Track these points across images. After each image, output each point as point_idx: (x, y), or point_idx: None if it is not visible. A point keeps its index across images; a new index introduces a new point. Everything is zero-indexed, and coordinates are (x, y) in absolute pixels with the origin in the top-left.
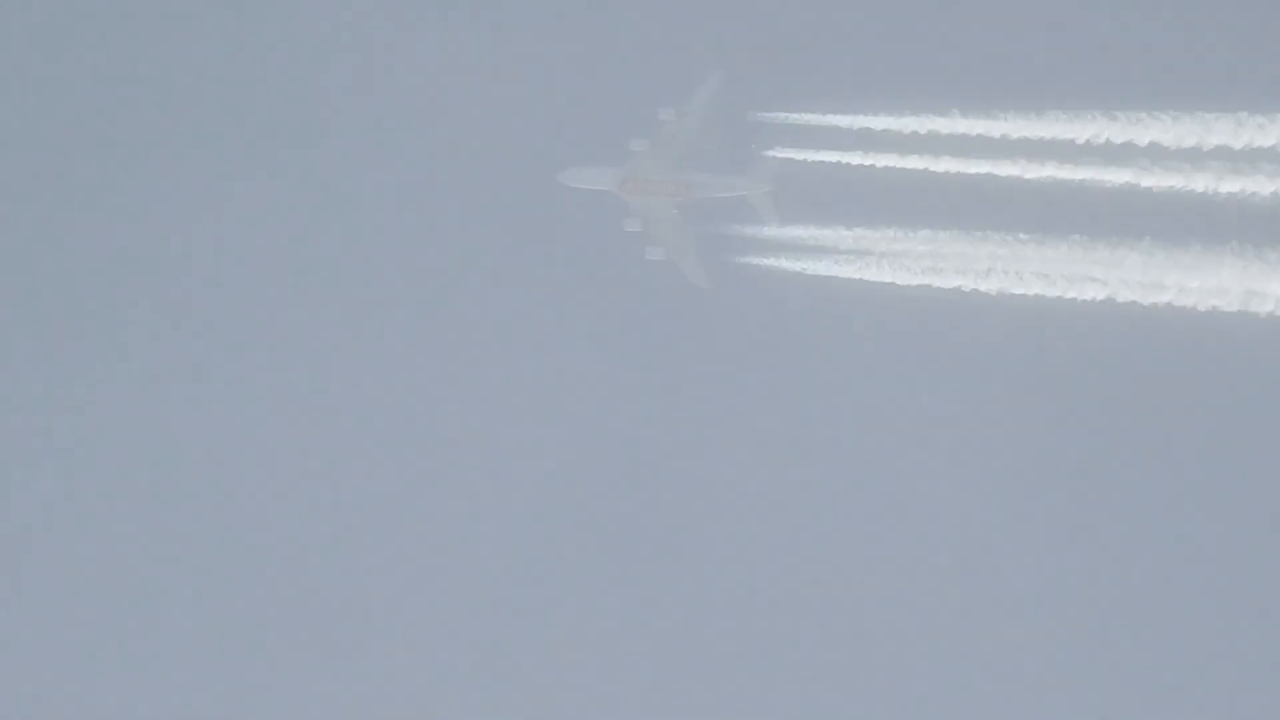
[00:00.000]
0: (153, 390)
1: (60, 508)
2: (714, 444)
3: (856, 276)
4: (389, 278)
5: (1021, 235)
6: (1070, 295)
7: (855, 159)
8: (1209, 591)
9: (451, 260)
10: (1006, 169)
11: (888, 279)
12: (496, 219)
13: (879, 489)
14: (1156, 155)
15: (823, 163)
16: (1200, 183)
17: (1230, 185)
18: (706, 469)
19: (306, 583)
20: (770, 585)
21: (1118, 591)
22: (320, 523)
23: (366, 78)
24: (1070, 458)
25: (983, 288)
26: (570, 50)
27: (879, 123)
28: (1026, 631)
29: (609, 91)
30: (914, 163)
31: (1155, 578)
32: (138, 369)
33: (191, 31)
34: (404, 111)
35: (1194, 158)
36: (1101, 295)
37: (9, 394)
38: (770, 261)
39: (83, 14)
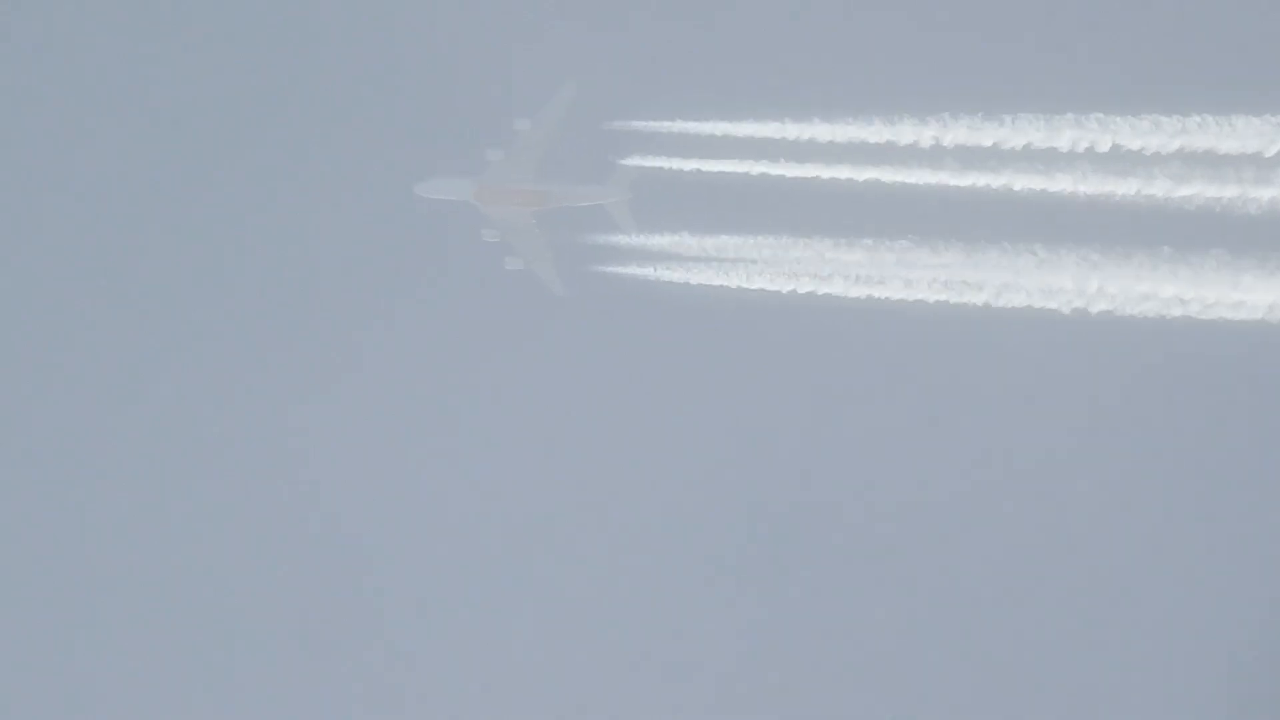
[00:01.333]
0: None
1: (58, 506)
2: (574, 450)
3: (714, 283)
4: (244, 288)
5: (888, 240)
6: (931, 298)
7: (711, 166)
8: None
9: (309, 273)
10: (862, 173)
11: (745, 285)
12: (354, 231)
13: (742, 490)
14: (968, 156)
15: (678, 170)
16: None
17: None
18: (569, 476)
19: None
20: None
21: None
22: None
23: (224, 85)
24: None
25: (845, 293)
26: (424, 60)
27: (734, 129)
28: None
29: (464, 102)
30: (770, 168)
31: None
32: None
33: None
34: (258, 122)
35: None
36: (978, 300)
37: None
38: (629, 270)
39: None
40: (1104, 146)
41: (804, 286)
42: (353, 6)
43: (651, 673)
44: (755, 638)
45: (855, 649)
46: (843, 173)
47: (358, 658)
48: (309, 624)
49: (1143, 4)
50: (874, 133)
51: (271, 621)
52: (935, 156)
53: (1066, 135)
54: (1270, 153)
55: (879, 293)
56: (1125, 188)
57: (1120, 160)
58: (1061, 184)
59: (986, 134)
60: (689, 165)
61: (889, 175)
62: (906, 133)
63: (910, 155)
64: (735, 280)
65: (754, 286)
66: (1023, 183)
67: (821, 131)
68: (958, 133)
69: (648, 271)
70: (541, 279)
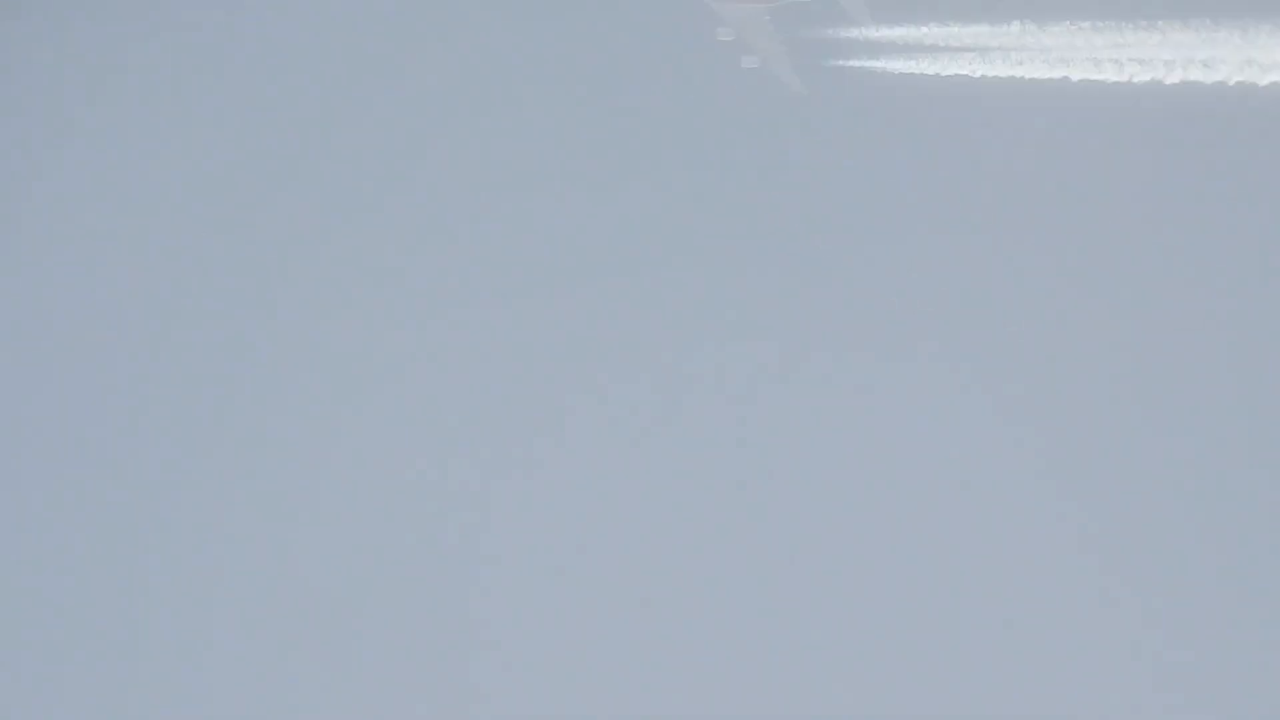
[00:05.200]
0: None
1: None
2: (823, 252)
3: (954, 73)
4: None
5: (1134, 22)
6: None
7: None
8: None
9: (555, 88)
10: None
11: (985, 73)
12: (589, 28)
13: (1006, 329)
14: None
15: None
16: None
17: None
18: (812, 273)
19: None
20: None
21: None
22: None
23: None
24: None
25: (1094, 76)
26: None
27: None
28: None
29: None
30: None
31: None
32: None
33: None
34: None
35: None
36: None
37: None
38: (864, 63)
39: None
40: None
41: (1043, 73)
42: None
43: None
44: None
45: None
46: None
47: None
48: None
49: None
50: None
51: None
52: None
53: None
54: None
55: (1123, 75)
56: None
57: None
58: None
59: None
60: None
61: None
62: None
63: None
64: (972, 69)
65: (993, 74)
66: None
67: None
68: None
69: (883, 64)
70: (778, 76)
